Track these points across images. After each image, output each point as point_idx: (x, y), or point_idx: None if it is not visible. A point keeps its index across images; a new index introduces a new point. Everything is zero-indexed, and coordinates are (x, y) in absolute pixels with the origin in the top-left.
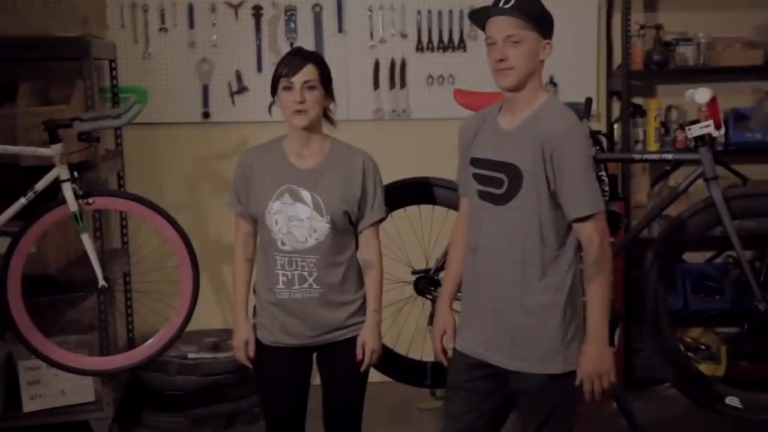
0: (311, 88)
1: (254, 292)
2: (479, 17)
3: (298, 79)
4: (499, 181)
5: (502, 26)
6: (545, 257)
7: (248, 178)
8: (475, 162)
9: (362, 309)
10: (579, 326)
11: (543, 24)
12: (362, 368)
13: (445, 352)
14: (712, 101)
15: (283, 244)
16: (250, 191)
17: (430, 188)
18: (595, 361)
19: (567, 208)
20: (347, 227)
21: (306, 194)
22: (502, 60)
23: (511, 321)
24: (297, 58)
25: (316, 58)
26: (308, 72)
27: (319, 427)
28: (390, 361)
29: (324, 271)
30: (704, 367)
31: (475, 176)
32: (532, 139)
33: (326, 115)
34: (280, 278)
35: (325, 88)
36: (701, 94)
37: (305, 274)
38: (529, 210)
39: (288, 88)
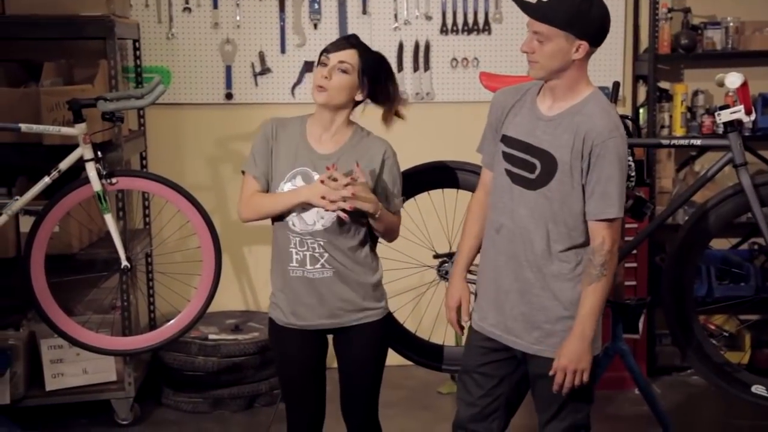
0: (344, 71)
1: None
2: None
3: (334, 56)
4: (531, 165)
5: (532, 20)
6: (573, 248)
7: (269, 146)
8: (507, 141)
9: (377, 293)
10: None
11: (577, 25)
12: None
13: (460, 324)
14: (743, 86)
15: (293, 224)
16: (270, 159)
17: (454, 172)
18: (574, 356)
19: (592, 206)
20: (356, 215)
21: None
22: (528, 52)
23: (534, 305)
24: (343, 40)
25: (364, 48)
26: (347, 55)
27: (336, 410)
28: (411, 345)
29: (334, 253)
30: (728, 355)
31: (505, 155)
32: (573, 131)
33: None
34: (294, 256)
35: (360, 80)
36: (733, 79)
37: (317, 255)
38: (560, 200)
39: (324, 64)
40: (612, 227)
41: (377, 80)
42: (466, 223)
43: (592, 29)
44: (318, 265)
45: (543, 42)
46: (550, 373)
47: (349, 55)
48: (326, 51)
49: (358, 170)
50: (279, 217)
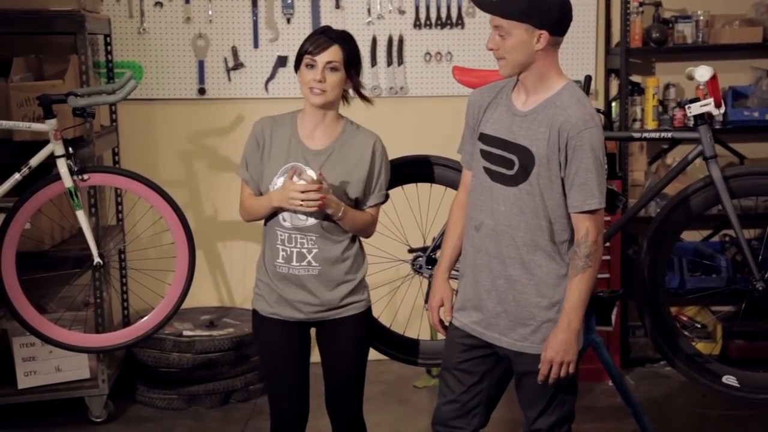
0: (333, 69)
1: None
2: None
3: (321, 58)
4: (509, 161)
5: (492, 16)
6: (556, 242)
7: (260, 147)
8: (485, 138)
9: (359, 288)
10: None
11: (534, 15)
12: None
13: (443, 324)
14: (713, 79)
15: (284, 220)
16: (261, 160)
17: (428, 166)
18: (561, 348)
19: (573, 198)
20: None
21: (311, 173)
22: (493, 49)
23: (519, 302)
24: (324, 37)
25: (343, 40)
26: (333, 53)
27: (320, 406)
28: (386, 340)
29: (323, 248)
30: (700, 346)
31: (483, 153)
32: (548, 124)
33: (344, 96)
34: (280, 253)
35: (347, 71)
36: (702, 72)
37: (304, 251)
38: (540, 194)
39: (311, 66)
40: (595, 218)
41: (359, 67)
42: (449, 223)
43: (550, 17)
44: (304, 263)
45: (504, 36)
46: (539, 365)
47: (335, 53)
48: (309, 53)
49: (322, 176)
50: (272, 214)
